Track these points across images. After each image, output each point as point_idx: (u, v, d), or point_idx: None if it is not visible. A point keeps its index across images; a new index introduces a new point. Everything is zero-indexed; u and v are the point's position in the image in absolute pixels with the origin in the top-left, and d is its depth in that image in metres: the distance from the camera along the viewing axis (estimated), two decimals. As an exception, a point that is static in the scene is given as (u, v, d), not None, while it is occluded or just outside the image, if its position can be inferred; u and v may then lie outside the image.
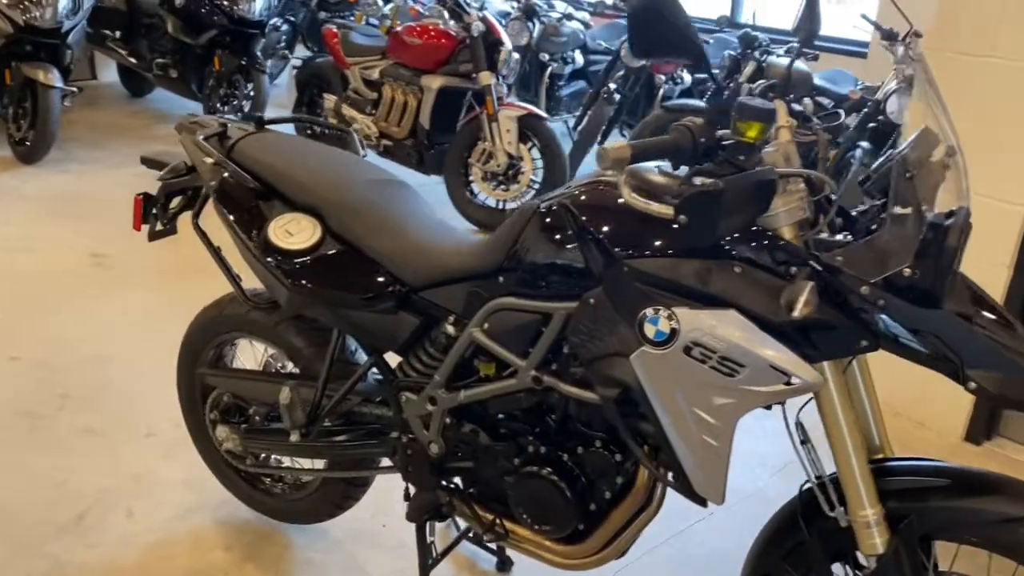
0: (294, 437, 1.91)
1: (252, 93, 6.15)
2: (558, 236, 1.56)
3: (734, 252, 1.35)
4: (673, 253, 1.39)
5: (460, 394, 1.74)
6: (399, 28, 5.04)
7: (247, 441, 2.09)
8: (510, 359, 1.65)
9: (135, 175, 5.20)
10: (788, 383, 1.32)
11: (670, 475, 1.51)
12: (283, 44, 7.10)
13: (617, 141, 1.30)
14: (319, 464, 2.12)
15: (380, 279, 1.78)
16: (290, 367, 2.19)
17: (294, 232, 1.81)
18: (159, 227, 2.19)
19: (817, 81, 5.30)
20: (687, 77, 6.08)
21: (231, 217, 1.87)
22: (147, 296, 3.69)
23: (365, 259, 1.80)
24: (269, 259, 1.79)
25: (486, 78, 4.60)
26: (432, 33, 4.82)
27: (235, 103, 6.27)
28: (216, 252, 2.04)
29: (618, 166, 1.29)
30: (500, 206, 4.79)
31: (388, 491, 2.23)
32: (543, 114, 4.67)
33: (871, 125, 4.63)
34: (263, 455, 2.17)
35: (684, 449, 1.42)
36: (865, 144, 4.44)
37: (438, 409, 1.78)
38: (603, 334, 1.49)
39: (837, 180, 4.75)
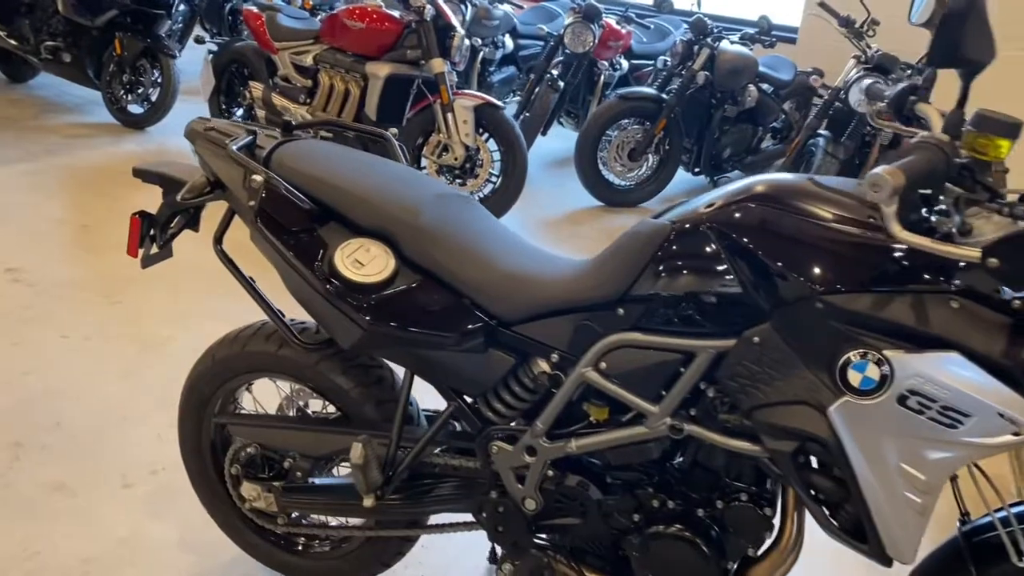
0: (369, 502, 1.63)
1: (160, 80, 5.63)
2: (705, 263, 1.35)
3: (952, 284, 1.18)
4: (885, 288, 1.20)
5: (569, 444, 1.52)
6: (336, 10, 4.66)
7: (289, 502, 1.79)
8: (636, 403, 1.44)
9: (31, 173, 4.64)
10: (1018, 433, 1.16)
11: (846, 534, 1.33)
12: (180, 25, 6.53)
13: (887, 167, 1.09)
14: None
15: (468, 313, 1.53)
16: (315, 407, 1.90)
17: (365, 262, 1.53)
18: (154, 250, 1.85)
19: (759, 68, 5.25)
20: (624, 63, 5.95)
21: (280, 244, 1.56)
22: (85, 313, 3.25)
23: (448, 290, 1.54)
24: (339, 294, 1.51)
25: (439, 65, 4.30)
26: (376, 16, 4.47)
27: (141, 91, 5.72)
28: (250, 283, 1.72)
29: (895, 195, 1.09)
30: (456, 201, 4.52)
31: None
32: (500, 103, 4.42)
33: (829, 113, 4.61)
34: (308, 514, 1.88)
35: (883, 507, 1.25)
36: (825, 133, 4.42)
37: (538, 460, 1.55)
38: (774, 379, 1.30)
39: (797, 171, 4.75)
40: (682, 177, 5.32)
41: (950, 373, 1.16)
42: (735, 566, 1.50)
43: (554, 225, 4.83)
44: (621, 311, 1.44)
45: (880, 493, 1.24)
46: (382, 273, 1.52)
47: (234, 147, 1.60)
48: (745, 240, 1.30)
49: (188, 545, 2.15)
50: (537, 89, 5.37)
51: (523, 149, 4.40)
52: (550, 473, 1.56)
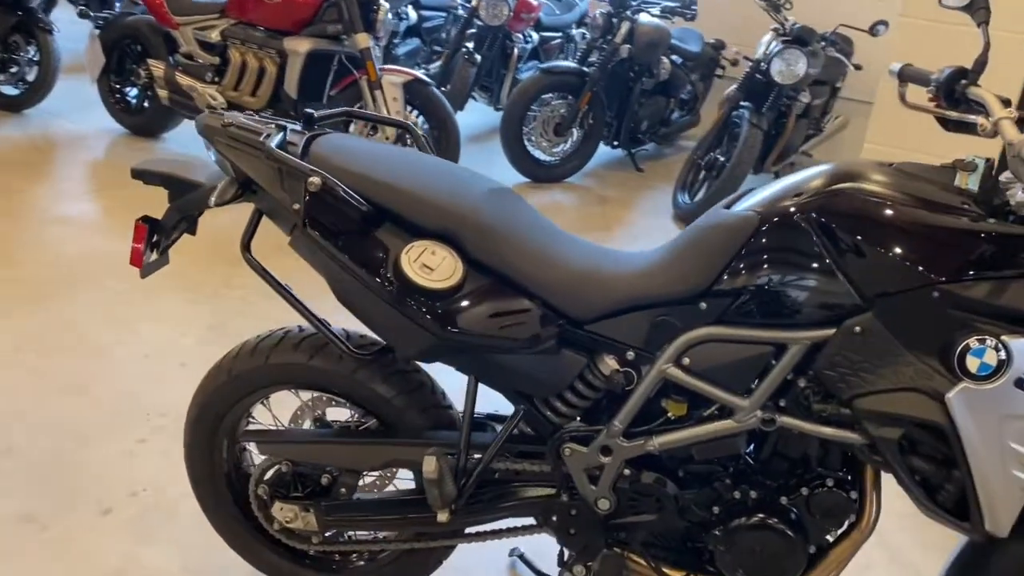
0: (444, 516, 1.54)
1: (38, 58, 5.15)
2: (801, 254, 1.34)
3: None
4: (999, 274, 1.23)
5: (649, 441, 1.49)
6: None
7: (335, 520, 1.67)
8: (724, 398, 1.42)
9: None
10: (1125, 408, 1.22)
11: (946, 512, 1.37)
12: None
13: None
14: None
15: (540, 314, 1.46)
16: (332, 416, 1.79)
17: (433, 265, 1.43)
18: (153, 258, 1.68)
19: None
20: (535, 35, 5.90)
21: (335, 249, 1.44)
22: (10, 323, 2.95)
23: (518, 291, 1.47)
24: (409, 301, 1.41)
25: (363, 40, 4.12)
26: (292, -11, 4.23)
27: (15, 70, 5.22)
28: (287, 291, 1.59)
29: None
30: (387, 183, 4.37)
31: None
32: (428, 79, 4.29)
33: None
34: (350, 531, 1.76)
35: (991, 485, 1.28)
36: (747, 104, 4.53)
37: (614, 460, 1.52)
38: (878, 368, 1.30)
39: (720, 143, 4.84)
40: (600, 150, 5.34)
41: (1065, 353, 1.21)
42: (817, 549, 1.52)
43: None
44: (704, 305, 1.42)
45: (990, 473, 1.28)
46: (453, 277, 1.43)
47: (273, 142, 1.46)
48: (849, 230, 1.30)
49: (194, 571, 2.00)
50: (453, 63, 5.25)
51: (456, 125, 4.29)
52: (626, 472, 1.53)
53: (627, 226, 4.61)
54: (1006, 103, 1.43)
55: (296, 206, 1.47)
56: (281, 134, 1.53)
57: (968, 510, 1.32)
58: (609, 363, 1.48)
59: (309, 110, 1.64)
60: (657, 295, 1.45)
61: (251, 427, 1.79)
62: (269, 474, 1.75)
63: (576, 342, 1.49)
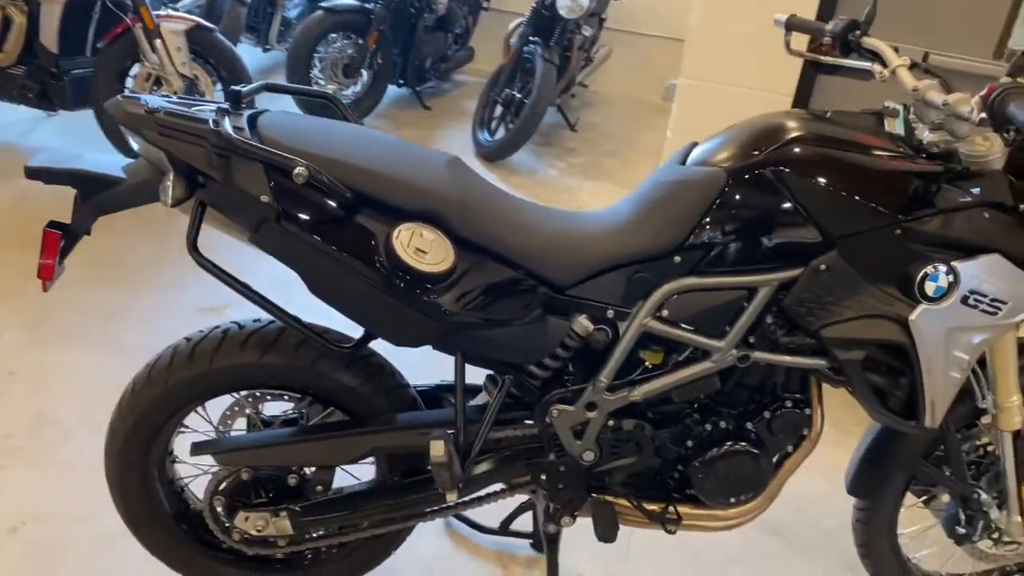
0: (453, 496, 1.52)
1: None
2: (770, 204, 1.46)
3: (984, 199, 1.43)
4: (945, 209, 1.42)
5: (633, 392, 1.57)
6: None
7: (313, 520, 1.59)
8: (701, 342, 1.53)
9: None
10: (1033, 309, 1.48)
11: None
12: None
13: (965, 95, 1.25)
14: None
15: (527, 285, 1.48)
16: (269, 412, 1.69)
17: (425, 248, 1.38)
18: (60, 267, 1.48)
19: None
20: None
21: (321, 241, 1.34)
22: None
23: (504, 264, 1.47)
24: (408, 288, 1.35)
25: (134, -17, 3.68)
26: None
27: None
28: (248, 288, 1.45)
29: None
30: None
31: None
32: (211, 24, 3.93)
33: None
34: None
35: (936, 388, 1.50)
36: (536, 39, 4.64)
37: (599, 414, 1.58)
38: (842, 300, 1.47)
39: (514, 78, 4.97)
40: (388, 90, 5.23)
41: (996, 271, 1.43)
42: (776, 463, 1.69)
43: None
44: (678, 259, 1.50)
45: (936, 378, 1.50)
46: (447, 259, 1.39)
47: (227, 127, 1.31)
48: (813, 178, 1.43)
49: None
50: (218, 5, 4.84)
51: (248, 74, 4.00)
52: (610, 423, 1.60)
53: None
54: (895, 51, 1.63)
55: (265, 198, 1.34)
56: (227, 118, 1.37)
57: (913, 411, 1.55)
58: (590, 323, 1.53)
59: (235, 87, 1.48)
60: (632, 254, 1.51)
61: (199, 439, 1.64)
62: (224, 484, 1.62)
63: (558, 307, 1.52)
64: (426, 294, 1.38)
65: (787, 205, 1.45)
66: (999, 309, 1.46)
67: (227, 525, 1.64)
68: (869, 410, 1.58)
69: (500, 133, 4.71)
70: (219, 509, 1.63)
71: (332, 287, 1.40)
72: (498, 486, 1.67)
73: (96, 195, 1.43)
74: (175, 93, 3.81)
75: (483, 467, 1.60)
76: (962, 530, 1.86)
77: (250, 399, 1.66)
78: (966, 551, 1.93)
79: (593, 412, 1.58)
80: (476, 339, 1.49)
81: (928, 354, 1.47)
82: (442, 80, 5.83)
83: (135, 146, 1.41)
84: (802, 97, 3.20)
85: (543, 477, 1.64)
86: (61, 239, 1.42)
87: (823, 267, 1.46)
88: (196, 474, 1.76)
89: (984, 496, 1.81)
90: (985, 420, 1.79)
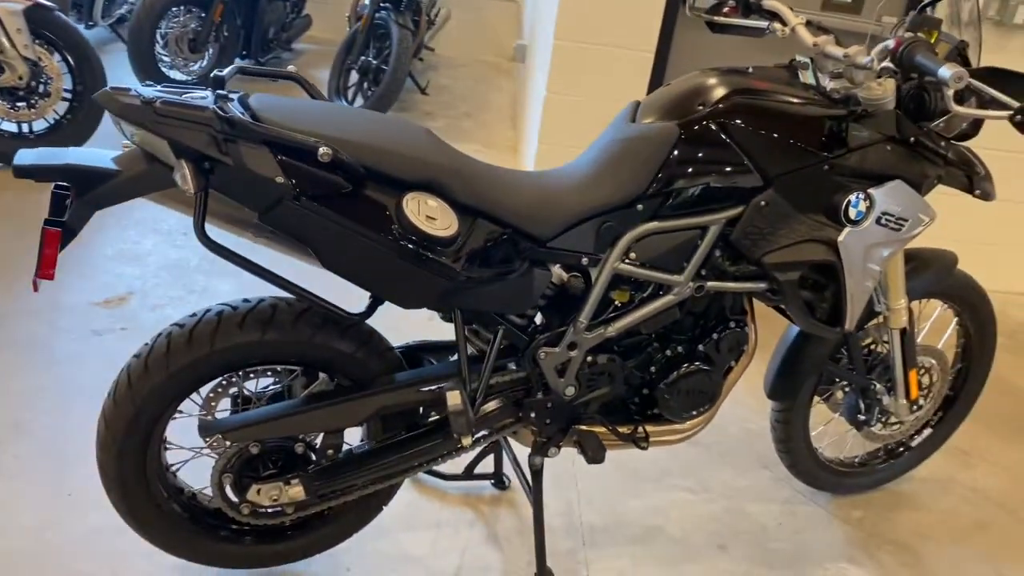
0: (468, 440, 1.64)
1: None
2: (719, 153, 1.67)
3: (885, 134, 1.72)
4: (858, 145, 1.68)
5: (606, 329, 1.75)
6: None
7: (327, 483, 1.67)
8: (664, 279, 1.74)
9: None
10: (925, 224, 1.79)
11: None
12: None
13: (955, 66, 1.49)
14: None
15: (517, 242, 1.62)
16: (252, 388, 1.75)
17: (435, 215, 1.49)
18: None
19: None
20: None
21: (339, 216, 1.42)
22: None
23: (497, 224, 1.60)
24: (424, 252, 1.46)
25: (-42, -39, 3.39)
26: None
27: None
28: (262, 268, 1.49)
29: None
30: (26, 130, 3.73)
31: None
32: (50, 3, 3.67)
33: None
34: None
35: (855, 297, 1.79)
36: (387, 5, 4.68)
37: (579, 352, 1.76)
38: (779, 230, 1.72)
39: (369, 44, 5.01)
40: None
41: (900, 193, 1.73)
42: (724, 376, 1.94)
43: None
44: (640, 207, 1.69)
45: (856, 288, 1.79)
46: (453, 223, 1.50)
47: (233, 112, 1.36)
48: (753, 127, 1.65)
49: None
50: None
51: (96, 55, 3.79)
52: (587, 359, 1.78)
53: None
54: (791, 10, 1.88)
55: (280, 179, 1.40)
56: (229, 103, 1.41)
57: (836, 318, 1.84)
58: (566, 272, 1.70)
59: (218, 73, 1.50)
60: (601, 205, 1.68)
61: (207, 419, 1.66)
62: (234, 461, 1.67)
63: (541, 259, 1.67)
64: (439, 256, 1.49)
65: (731, 151, 1.67)
66: (902, 226, 1.76)
67: (236, 501, 1.69)
68: (800, 322, 1.85)
69: (359, 101, 4.72)
70: (227, 486, 1.67)
71: (347, 258, 1.48)
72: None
73: (91, 190, 1.42)
74: (20, 78, 3.56)
75: (488, 410, 1.74)
76: (862, 417, 2.21)
77: (234, 379, 1.70)
78: (862, 435, 2.29)
79: (574, 351, 1.75)
80: (476, 295, 1.62)
81: (852, 269, 1.76)
82: (283, 50, 5.70)
83: (127, 136, 1.41)
84: (662, 53, 3.48)
85: (533, 415, 1.80)
86: (61, 237, 1.41)
87: (763, 203, 1.70)
88: (186, 458, 1.79)
89: (878, 386, 2.16)
90: (874, 322, 2.13)
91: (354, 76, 4.78)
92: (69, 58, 3.74)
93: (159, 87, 1.45)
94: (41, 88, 3.66)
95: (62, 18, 3.70)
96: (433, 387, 1.66)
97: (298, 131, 1.42)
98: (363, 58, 4.69)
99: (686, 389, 1.85)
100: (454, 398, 1.60)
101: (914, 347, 2.12)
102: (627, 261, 1.71)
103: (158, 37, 4.46)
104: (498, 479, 2.28)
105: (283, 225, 1.45)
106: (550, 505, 2.26)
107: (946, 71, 1.44)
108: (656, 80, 3.49)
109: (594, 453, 1.80)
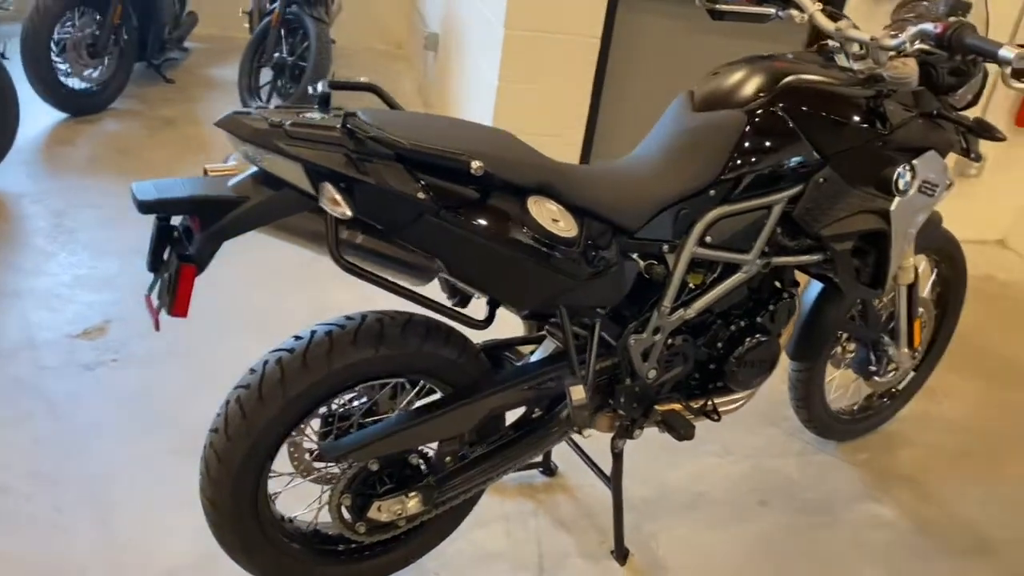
0: (589, 432, 1.69)
1: None
2: (783, 137, 1.78)
3: (914, 108, 1.88)
4: (905, 121, 1.84)
5: (685, 311, 1.84)
6: None
7: (450, 488, 1.69)
8: (735, 259, 1.85)
9: None
10: (949, 189, 1.98)
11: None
12: None
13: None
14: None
15: (615, 237, 1.68)
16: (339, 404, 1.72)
17: (557, 218, 1.52)
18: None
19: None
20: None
21: (475, 226, 1.43)
22: None
23: (600, 222, 1.64)
24: (554, 254, 1.50)
25: None
26: None
27: None
28: (397, 285, 1.47)
29: None
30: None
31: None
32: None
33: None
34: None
35: (896, 260, 1.96)
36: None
37: (662, 336, 1.84)
38: (836, 204, 1.85)
39: (280, 43, 4.88)
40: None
41: (934, 162, 1.91)
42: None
43: (51, 151, 3.95)
44: (712, 192, 1.78)
45: (897, 252, 1.95)
46: (572, 224, 1.54)
47: (384, 135, 1.34)
48: (811, 110, 1.77)
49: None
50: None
51: (3, 67, 3.48)
52: (669, 342, 1.86)
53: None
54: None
55: (421, 195, 1.40)
56: (352, 120, 1.38)
57: (876, 281, 2.00)
58: (650, 260, 1.78)
59: (325, 90, 1.46)
60: (680, 193, 1.76)
61: (329, 442, 1.62)
62: (354, 480, 1.65)
63: (630, 250, 1.73)
64: (566, 257, 1.52)
65: (794, 134, 1.78)
66: (935, 192, 1.94)
67: (351, 520, 1.67)
68: (848, 286, 2.00)
69: (275, 100, 4.57)
70: (347, 506, 1.65)
71: (481, 266, 1.49)
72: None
73: (217, 221, 1.36)
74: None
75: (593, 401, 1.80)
76: (873, 368, 2.41)
77: (333, 401, 1.68)
78: (868, 384, 2.50)
79: (658, 335, 1.83)
80: (585, 291, 1.66)
81: (898, 235, 1.92)
82: (177, 49, 5.40)
83: (247, 160, 1.36)
84: (606, 38, 3.57)
85: (623, 399, 1.86)
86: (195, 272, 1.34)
87: (821, 180, 1.83)
88: (289, 484, 1.74)
89: (886, 339, 2.36)
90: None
91: (266, 74, 4.61)
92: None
93: (267, 108, 1.40)
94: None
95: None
96: (551, 384, 1.69)
97: (434, 145, 1.42)
98: (277, 55, 4.52)
99: (752, 360, 1.97)
100: (577, 392, 1.65)
101: (918, 300, 2.33)
102: (703, 245, 1.79)
103: (52, 45, 4.13)
104: (546, 466, 2.34)
105: (421, 241, 1.44)
106: (597, 485, 2.33)
107: (1007, 52, 1.61)
108: (602, 64, 3.58)
109: (684, 430, 1.89)
